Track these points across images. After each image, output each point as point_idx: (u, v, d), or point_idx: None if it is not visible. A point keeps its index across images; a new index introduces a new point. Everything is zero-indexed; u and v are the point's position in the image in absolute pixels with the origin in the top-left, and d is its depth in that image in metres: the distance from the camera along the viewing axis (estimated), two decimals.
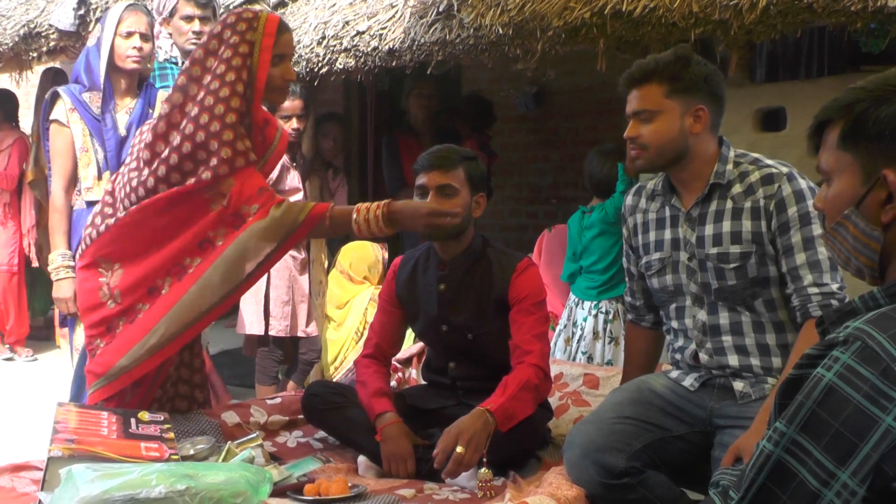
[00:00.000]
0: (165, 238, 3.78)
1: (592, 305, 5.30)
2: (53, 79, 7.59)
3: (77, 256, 4.02)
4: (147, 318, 3.80)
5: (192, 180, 3.70)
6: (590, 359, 5.24)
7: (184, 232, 3.76)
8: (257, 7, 3.80)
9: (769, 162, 3.27)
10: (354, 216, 3.68)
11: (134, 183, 3.79)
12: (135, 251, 3.83)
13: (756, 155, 3.35)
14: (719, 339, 3.29)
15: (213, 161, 3.66)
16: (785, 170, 3.21)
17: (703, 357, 3.33)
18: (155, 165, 3.74)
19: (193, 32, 5.19)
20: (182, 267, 3.78)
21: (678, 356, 3.46)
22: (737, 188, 3.25)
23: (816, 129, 1.98)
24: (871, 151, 1.84)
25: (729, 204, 3.25)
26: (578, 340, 5.37)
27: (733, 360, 3.26)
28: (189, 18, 5.20)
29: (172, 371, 4.03)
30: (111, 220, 3.84)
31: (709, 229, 3.27)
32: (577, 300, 5.48)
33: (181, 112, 3.77)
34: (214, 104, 3.69)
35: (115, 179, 3.95)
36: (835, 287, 3.09)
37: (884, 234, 1.86)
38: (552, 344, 5.60)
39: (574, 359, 5.32)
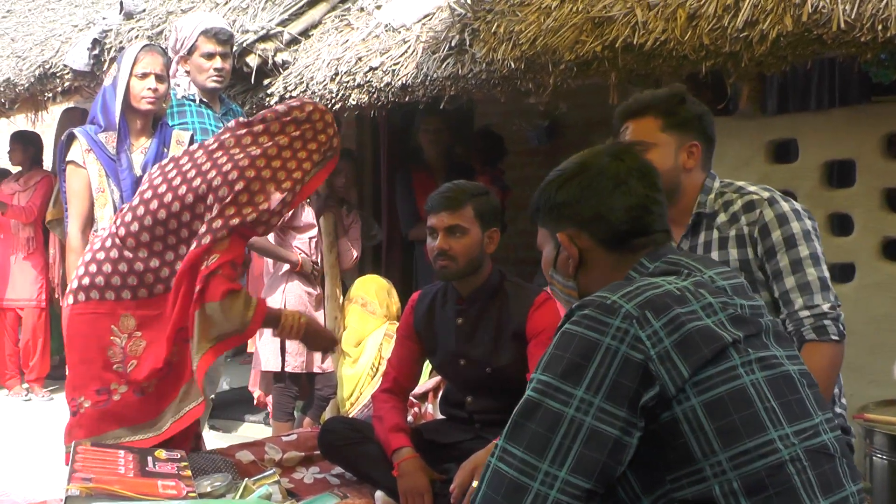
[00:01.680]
0: (177, 309, 3.80)
1: None
2: (73, 118, 7.64)
3: (76, 298, 3.96)
4: (164, 393, 3.86)
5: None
6: None
7: (187, 297, 3.79)
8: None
9: (751, 188, 3.27)
10: (282, 320, 3.98)
11: (171, 241, 3.86)
12: (161, 324, 3.84)
13: (741, 183, 3.34)
14: None
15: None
16: (766, 195, 3.20)
17: None
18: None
19: (214, 70, 5.24)
20: (185, 330, 3.80)
21: None
22: (721, 217, 3.26)
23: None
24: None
25: (715, 234, 3.26)
26: None
27: None
28: (210, 56, 5.24)
29: None
30: (149, 287, 3.89)
31: None
32: None
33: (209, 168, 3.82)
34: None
35: (132, 229, 3.91)
36: (826, 307, 3.06)
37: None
38: None
39: None
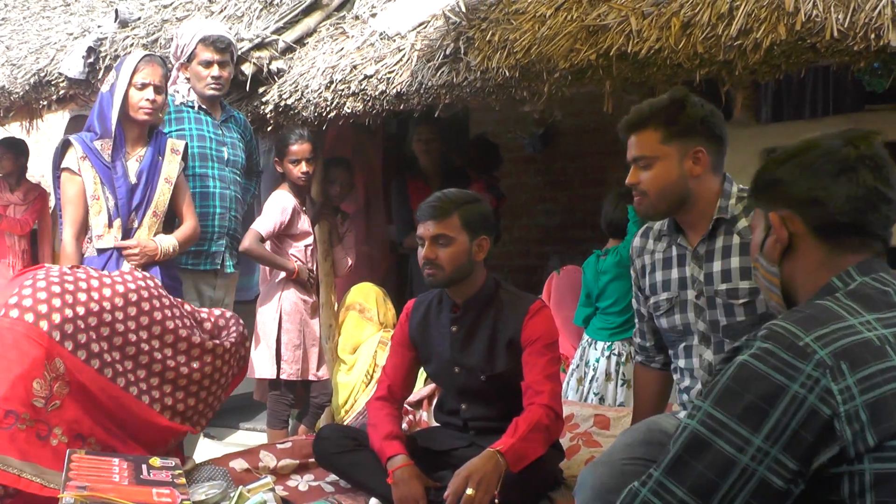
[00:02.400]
0: None
1: (606, 346, 5.29)
2: (80, 125, 7.65)
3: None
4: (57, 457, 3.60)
5: None
6: (601, 400, 5.22)
7: None
8: None
9: None
10: None
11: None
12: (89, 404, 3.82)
13: None
14: None
15: None
16: None
17: None
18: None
19: (212, 77, 5.27)
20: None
21: (685, 396, 3.41)
22: (742, 222, 3.21)
23: None
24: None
25: (736, 239, 3.22)
26: (591, 381, 5.36)
27: None
28: (208, 64, 5.27)
29: None
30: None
31: (717, 265, 3.24)
32: (590, 340, 5.48)
33: None
34: None
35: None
36: None
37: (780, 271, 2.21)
38: (564, 384, 5.59)
39: (586, 399, 5.32)
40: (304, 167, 5.97)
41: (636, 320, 3.73)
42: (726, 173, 3.31)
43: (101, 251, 4.57)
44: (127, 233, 4.61)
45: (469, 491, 3.35)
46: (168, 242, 4.67)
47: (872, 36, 4.06)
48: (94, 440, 3.74)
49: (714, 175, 3.27)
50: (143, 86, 4.61)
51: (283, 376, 6.07)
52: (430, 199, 3.93)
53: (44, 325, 3.66)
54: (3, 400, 3.51)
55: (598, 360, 5.36)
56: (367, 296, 6.51)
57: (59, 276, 3.85)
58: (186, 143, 4.94)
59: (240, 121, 5.67)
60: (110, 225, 4.60)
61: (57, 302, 3.73)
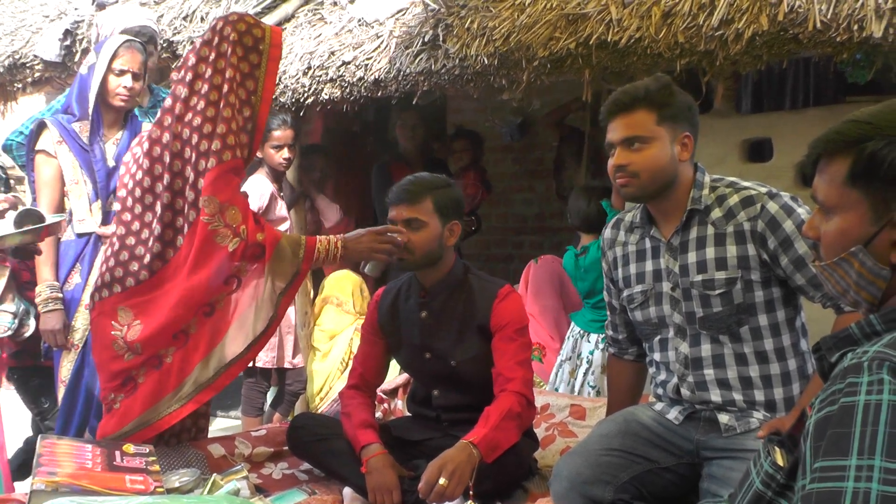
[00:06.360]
0: (188, 285, 3.80)
1: (600, 339, 5.28)
2: None
3: (92, 301, 4.00)
4: (181, 364, 3.82)
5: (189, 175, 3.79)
6: (598, 393, 5.21)
7: (204, 272, 3.78)
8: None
9: (746, 184, 3.22)
10: (318, 246, 3.86)
11: (155, 205, 3.87)
12: (158, 305, 3.85)
13: (732, 178, 3.29)
14: (701, 373, 3.23)
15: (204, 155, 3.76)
16: (764, 189, 3.15)
17: (684, 392, 3.27)
18: (160, 190, 3.86)
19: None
20: (210, 306, 3.81)
21: (660, 390, 3.40)
22: (716, 213, 3.19)
23: (814, 160, 1.95)
24: (884, 192, 1.80)
25: (710, 230, 3.20)
26: (585, 374, 5.36)
27: (715, 395, 3.20)
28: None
29: None
30: (134, 275, 3.89)
31: (692, 256, 3.22)
32: (581, 332, 5.47)
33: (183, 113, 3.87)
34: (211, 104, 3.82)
35: (124, 218, 3.96)
36: None
37: (892, 273, 1.84)
38: (554, 374, 5.60)
39: (581, 391, 5.31)
40: (286, 153, 5.93)
41: (608, 312, 3.71)
42: (697, 163, 3.29)
43: (80, 235, 4.54)
44: (106, 216, 4.58)
45: (442, 481, 3.33)
46: None
47: (855, 27, 4.06)
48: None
49: (690, 164, 3.26)
50: (122, 72, 4.57)
51: (258, 364, 6.04)
52: (402, 183, 3.92)
53: (95, 296, 3.96)
54: (113, 377, 3.89)
55: (591, 353, 5.36)
56: (343, 288, 6.50)
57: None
58: None
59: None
60: (90, 209, 4.56)
61: (101, 269, 4.03)
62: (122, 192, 3.99)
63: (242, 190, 4.37)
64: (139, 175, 3.89)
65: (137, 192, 3.88)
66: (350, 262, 3.79)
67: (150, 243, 3.84)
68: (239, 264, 3.77)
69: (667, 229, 3.31)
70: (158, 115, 3.98)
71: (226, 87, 3.77)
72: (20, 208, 4.09)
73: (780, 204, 3.09)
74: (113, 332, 3.85)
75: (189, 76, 3.86)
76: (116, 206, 4.02)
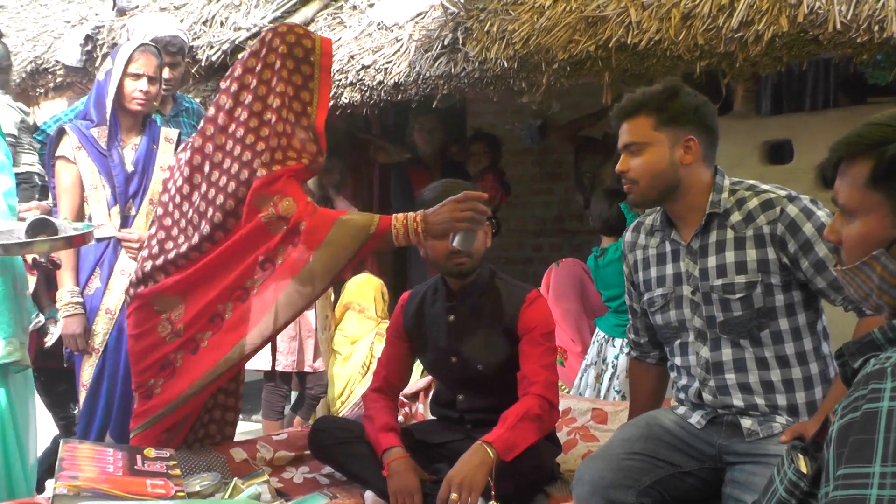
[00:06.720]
0: (229, 270, 3.81)
1: (624, 343, 5.26)
2: None
3: (128, 299, 4.03)
4: (218, 344, 3.82)
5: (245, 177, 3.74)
6: (624, 398, 5.19)
7: (247, 258, 3.78)
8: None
9: (765, 187, 3.20)
10: (394, 223, 3.67)
11: (190, 214, 3.87)
12: (198, 287, 3.86)
13: (752, 181, 3.26)
14: (722, 377, 3.21)
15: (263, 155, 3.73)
16: (783, 192, 3.13)
17: (706, 396, 3.24)
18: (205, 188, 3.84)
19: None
20: (244, 290, 3.80)
21: (682, 395, 3.39)
22: (735, 216, 3.17)
23: (835, 163, 1.93)
24: None
25: (730, 233, 3.17)
26: (611, 378, 5.35)
27: (737, 399, 3.17)
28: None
29: (209, 399, 4.08)
30: (172, 265, 3.90)
31: (712, 261, 3.20)
32: (606, 337, 5.46)
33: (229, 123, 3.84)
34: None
35: (164, 223, 3.97)
36: None
37: None
38: (578, 378, 5.58)
39: (606, 396, 5.30)
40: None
41: (629, 316, 3.70)
42: (718, 166, 3.27)
43: (99, 240, 4.54)
44: (124, 220, 4.59)
45: (452, 496, 3.33)
46: None
47: (876, 28, 4.05)
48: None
49: (705, 167, 3.23)
50: (137, 76, 4.57)
51: (278, 368, 6.05)
52: (435, 186, 3.90)
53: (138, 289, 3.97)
54: (154, 363, 3.90)
55: (617, 357, 5.34)
56: (364, 294, 6.51)
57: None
58: (180, 133, 4.90)
59: (193, 111, 5.53)
60: (109, 214, 4.57)
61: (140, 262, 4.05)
62: (164, 198, 4.00)
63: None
64: (179, 182, 3.90)
65: (177, 199, 3.90)
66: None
67: (186, 247, 3.85)
68: (276, 251, 3.75)
69: (686, 233, 3.29)
70: (201, 124, 3.97)
71: (276, 101, 3.74)
72: (29, 218, 4.08)
73: (800, 207, 3.07)
74: (158, 317, 3.87)
75: (235, 87, 3.84)
76: (159, 211, 4.03)
